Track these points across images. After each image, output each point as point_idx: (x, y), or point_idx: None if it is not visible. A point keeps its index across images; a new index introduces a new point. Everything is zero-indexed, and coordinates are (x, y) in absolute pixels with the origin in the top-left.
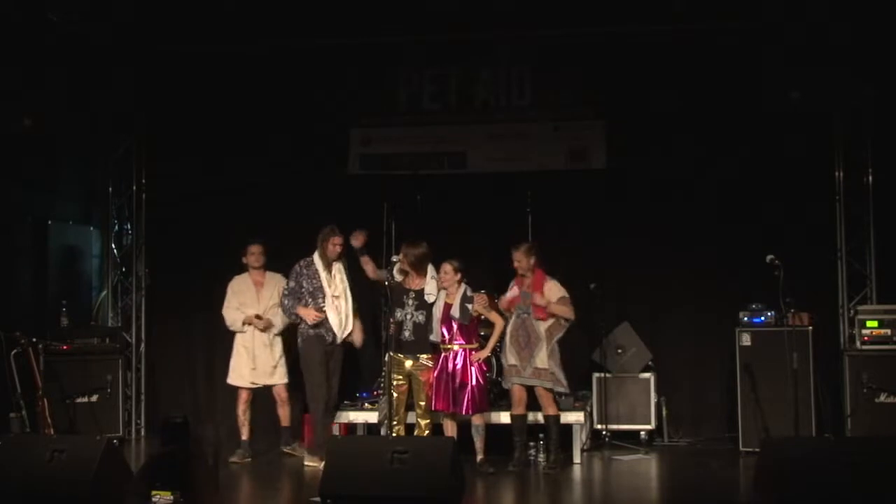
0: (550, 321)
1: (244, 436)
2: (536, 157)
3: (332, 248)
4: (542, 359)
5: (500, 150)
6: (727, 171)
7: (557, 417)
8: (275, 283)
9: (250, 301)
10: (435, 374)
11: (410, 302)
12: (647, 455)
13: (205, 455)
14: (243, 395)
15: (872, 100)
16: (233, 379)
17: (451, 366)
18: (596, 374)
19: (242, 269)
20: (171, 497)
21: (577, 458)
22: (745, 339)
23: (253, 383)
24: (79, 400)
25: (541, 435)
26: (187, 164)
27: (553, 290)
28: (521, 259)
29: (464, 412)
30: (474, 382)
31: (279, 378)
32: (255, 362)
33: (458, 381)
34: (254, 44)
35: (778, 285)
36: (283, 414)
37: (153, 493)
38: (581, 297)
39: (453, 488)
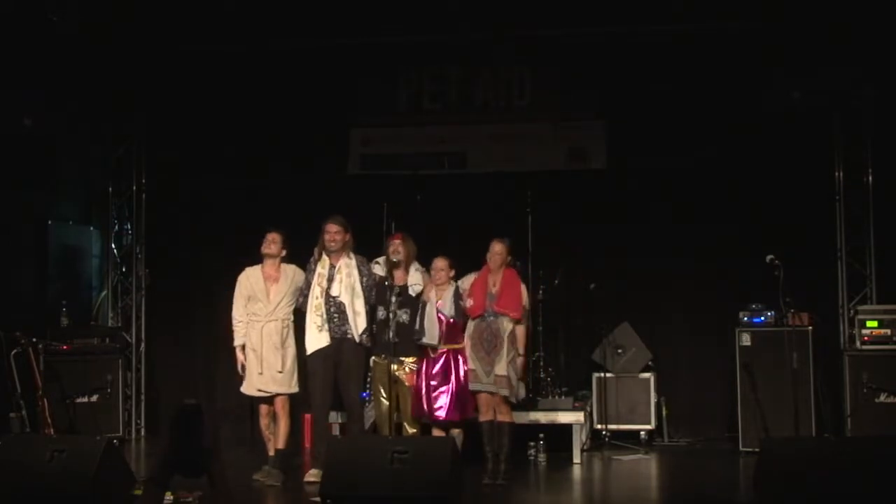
0: (512, 325)
1: (271, 451)
2: (536, 157)
3: (326, 238)
4: (502, 366)
5: (500, 150)
6: (727, 171)
7: (513, 426)
8: (289, 277)
9: (259, 297)
10: (418, 379)
11: (394, 299)
12: (647, 455)
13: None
14: (263, 408)
15: (872, 100)
16: (243, 387)
17: (433, 370)
18: (596, 374)
19: (258, 260)
20: (172, 498)
21: (577, 458)
22: (745, 339)
23: (261, 391)
24: (79, 400)
25: (541, 435)
26: (187, 165)
27: (523, 294)
28: (503, 252)
29: (443, 418)
30: (455, 388)
31: (281, 386)
32: (263, 366)
33: (438, 386)
34: (254, 44)
35: (778, 285)
36: (279, 430)
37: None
38: (581, 297)
39: (453, 488)
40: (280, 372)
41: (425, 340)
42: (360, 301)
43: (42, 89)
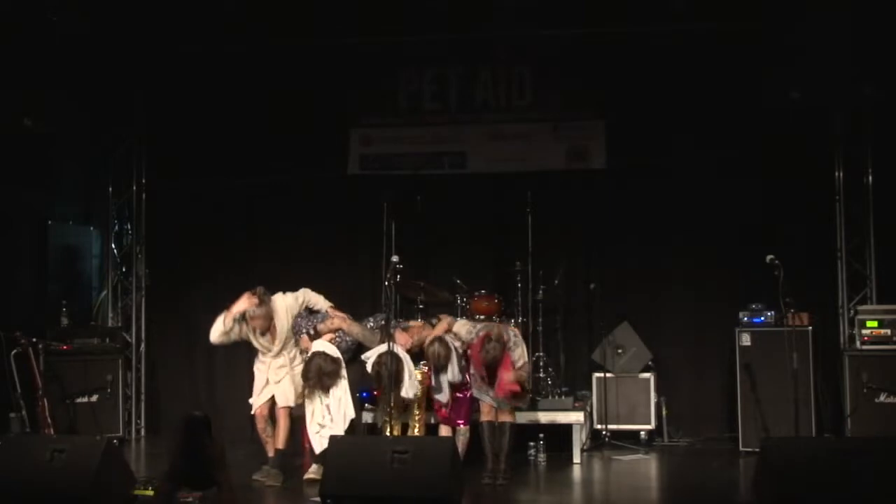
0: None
1: (270, 452)
2: (536, 157)
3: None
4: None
5: (500, 150)
6: (727, 171)
7: (514, 426)
8: (283, 318)
9: (263, 341)
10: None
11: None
12: (647, 455)
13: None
14: (258, 411)
15: (872, 100)
16: (252, 399)
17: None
18: (596, 374)
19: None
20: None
21: (576, 458)
22: (745, 339)
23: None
24: (79, 400)
25: (541, 435)
26: (187, 164)
27: (520, 357)
28: (498, 349)
29: (454, 423)
30: (471, 395)
31: (289, 399)
32: (265, 390)
33: (455, 396)
34: (254, 44)
35: (778, 285)
36: (278, 430)
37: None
38: (581, 297)
39: (453, 488)
40: (288, 387)
41: (437, 397)
42: (350, 411)
43: (42, 89)
